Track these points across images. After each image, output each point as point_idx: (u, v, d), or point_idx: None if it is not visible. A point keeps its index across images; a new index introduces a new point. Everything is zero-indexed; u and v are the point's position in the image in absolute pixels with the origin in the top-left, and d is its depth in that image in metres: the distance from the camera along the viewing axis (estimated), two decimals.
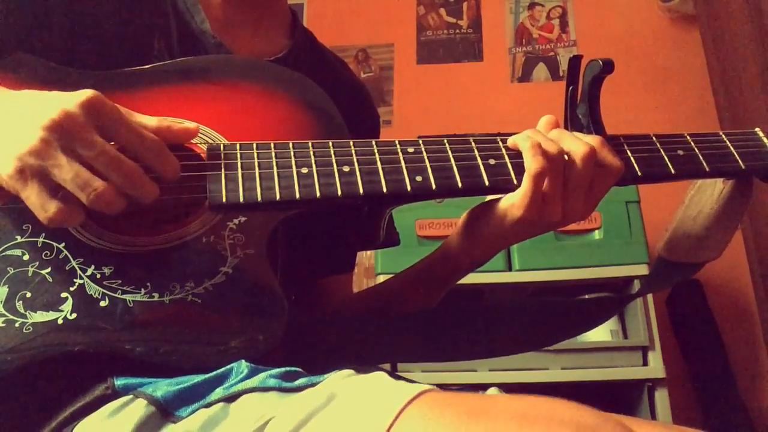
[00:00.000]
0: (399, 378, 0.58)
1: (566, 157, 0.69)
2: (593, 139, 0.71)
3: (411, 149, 0.71)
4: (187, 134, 0.67)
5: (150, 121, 0.64)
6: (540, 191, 0.68)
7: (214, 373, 0.56)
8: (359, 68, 2.71)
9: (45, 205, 0.57)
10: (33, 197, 0.57)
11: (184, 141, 0.67)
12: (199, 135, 0.71)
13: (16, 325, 0.56)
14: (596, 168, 0.69)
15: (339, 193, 0.67)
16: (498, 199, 0.72)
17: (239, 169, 0.67)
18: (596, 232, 1.89)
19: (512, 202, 0.69)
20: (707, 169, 0.75)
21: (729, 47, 2.21)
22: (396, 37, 2.76)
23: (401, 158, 0.70)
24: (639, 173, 0.73)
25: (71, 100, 0.59)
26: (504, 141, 0.73)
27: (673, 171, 0.74)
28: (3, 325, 0.56)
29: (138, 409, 0.53)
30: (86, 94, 0.59)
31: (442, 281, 0.85)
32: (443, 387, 0.59)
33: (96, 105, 0.59)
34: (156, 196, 0.62)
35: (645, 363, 1.79)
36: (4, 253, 0.60)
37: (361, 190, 0.67)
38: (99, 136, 0.59)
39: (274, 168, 0.67)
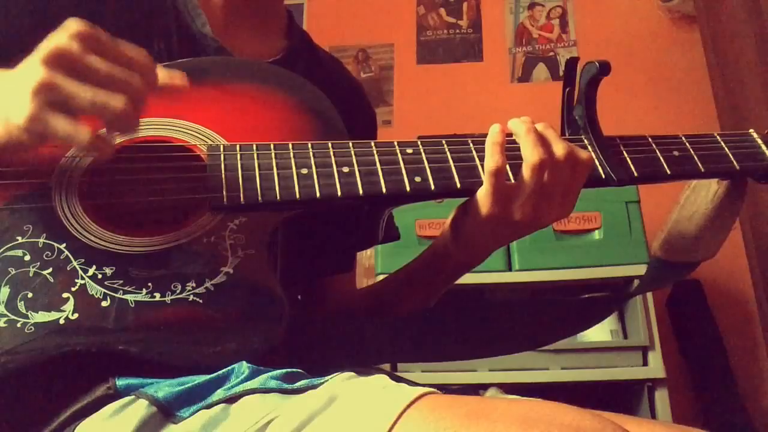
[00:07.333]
0: (400, 380, 0.59)
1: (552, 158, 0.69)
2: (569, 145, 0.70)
3: (410, 150, 0.71)
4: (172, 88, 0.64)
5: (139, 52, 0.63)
6: (499, 188, 0.68)
7: (215, 374, 0.56)
8: (359, 68, 2.71)
9: (78, 129, 0.57)
10: (65, 126, 0.57)
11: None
12: (199, 136, 0.71)
13: (18, 325, 0.56)
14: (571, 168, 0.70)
15: (339, 193, 0.67)
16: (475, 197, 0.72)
17: (239, 170, 0.67)
18: (596, 232, 1.90)
19: (477, 199, 0.70)
20: (702, 170, 0.75)
21: (729, 47, 2.21)
22: (396, 37, 2.76)
23: (400, 159, 0.70)
24: (635, 174, 0.74)
25: (60, 35, 0.58)
26: None
27: (668, 172, 0.74)
28: (5, 325, 0.56)
29: (139, 409, 0.53)
30: (73, 25, 0.59)
31: (434, 281, 0.85)
32: (443, 387, 0.59)
33: (85, 33, 0.59)
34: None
35: (645, 363, 1.79)
36: (5, 254, 0.60)
37: (361, 191, 0.68)
38: (98, 59, 0.59)
39: (274, 169, 0.68)
